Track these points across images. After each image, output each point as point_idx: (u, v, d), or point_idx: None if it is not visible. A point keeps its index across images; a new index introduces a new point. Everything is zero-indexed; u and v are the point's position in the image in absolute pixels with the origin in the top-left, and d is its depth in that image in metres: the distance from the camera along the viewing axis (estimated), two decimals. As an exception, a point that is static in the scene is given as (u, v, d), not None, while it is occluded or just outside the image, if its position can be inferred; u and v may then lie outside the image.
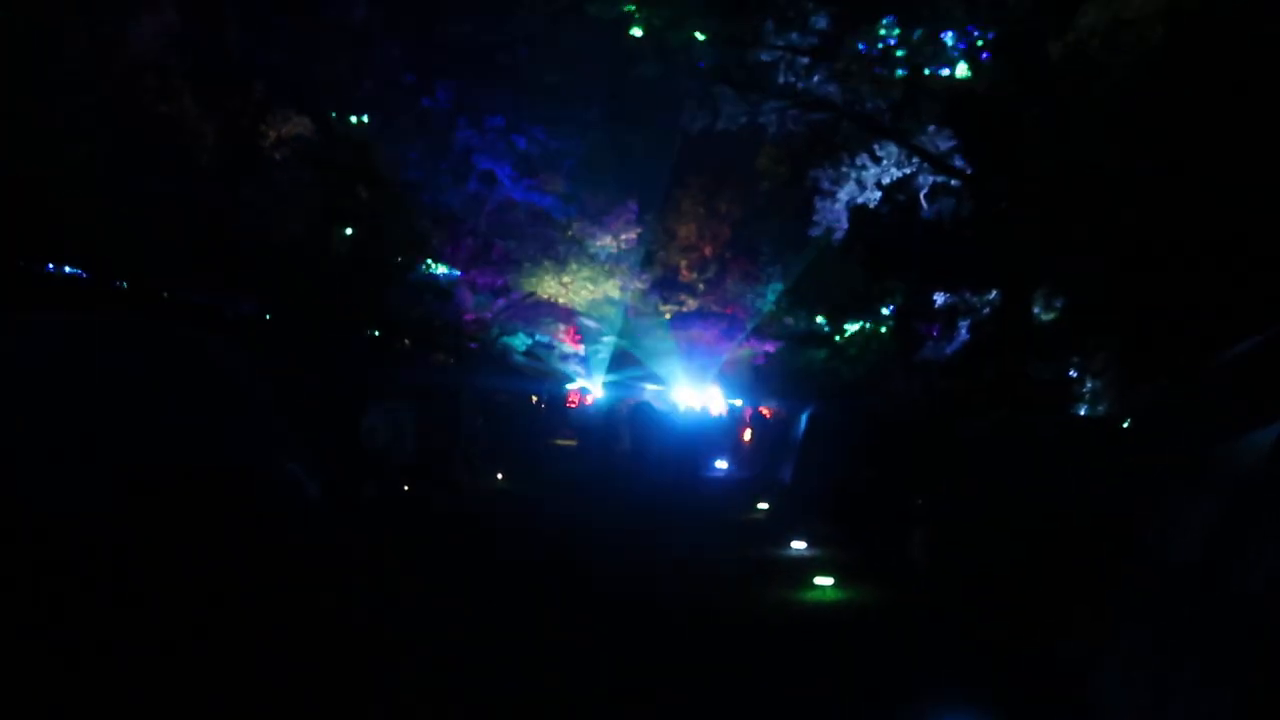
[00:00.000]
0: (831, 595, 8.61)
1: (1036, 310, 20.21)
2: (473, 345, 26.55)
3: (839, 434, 11.68)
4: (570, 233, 32.93)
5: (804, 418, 12.42)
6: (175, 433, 7.39)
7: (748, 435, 24.33)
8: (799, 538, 11.06)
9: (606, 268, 34.02)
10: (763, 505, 14.78)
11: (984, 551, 7.57)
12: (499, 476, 16.94)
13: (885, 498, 10.97)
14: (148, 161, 21.90)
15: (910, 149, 19.88)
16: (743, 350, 35.05)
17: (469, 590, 8.55)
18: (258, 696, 5.41)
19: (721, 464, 22.20)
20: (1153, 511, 5.24)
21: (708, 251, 36.88)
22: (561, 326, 35.10)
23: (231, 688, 5.36)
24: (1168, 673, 4.87)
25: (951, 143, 20.50)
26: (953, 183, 21.34)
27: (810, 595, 8.64)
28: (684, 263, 37.02)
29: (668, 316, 36.48)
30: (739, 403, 28.56)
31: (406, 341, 19.94)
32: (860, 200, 22.40)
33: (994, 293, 21.08)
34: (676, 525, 13.30)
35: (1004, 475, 7.85)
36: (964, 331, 22.24)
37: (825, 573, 9.02)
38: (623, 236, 33.89)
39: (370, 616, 7.20)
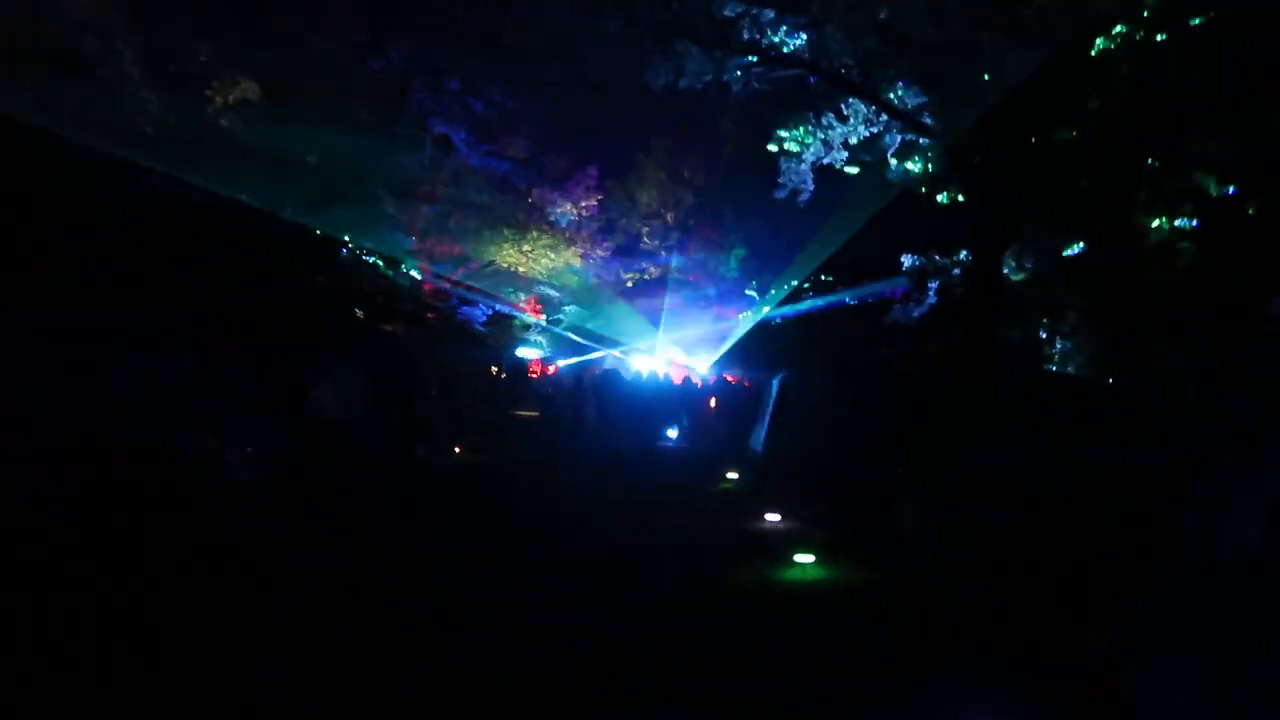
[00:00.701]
0: (813, 574, 7.81)
1: (1006, 271, 19.56)
2: (430, 315, 25.43)
3: (814, 400, 10.87)
4: (530, 200, 31.84)
5: (775, 384, 11.59)
6: (58, 411, 6.44)
7: (714, 403, 23.54)
8: (773, 510, 10.29)
9: (567, 235, 32.98)
10: (733, 475, 13.99)
11: (987, 526, 6.84)
12: (456, 450, 15.99)
13: (866, 467, 10.22)
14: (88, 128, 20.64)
15: (880, 105, 19.03)
16: (707, 317, 34.24)
17: (418, 571, 7.67)
18: (151, 675, 4.87)
19: (679, 433, 21.38)
20: (1201, 487, 4.46)
21: (670, 219, 35.91)
22: (523, 296, 34.06)
23: (126, 668, 4.89)
24: (1226, 669, 4.11)
25: (922, 99, 19.71)
26: (922, 141, 20.56)
27: (790, 574, 7.85)
28: (646, 230, 36.04)
29: (630, 285, 35.53)
30: (704, 371, 27.77)
31: (359, 312, 18.82)
32: (826, 161, 21.56)
33: (963, 253, 20.41)
34: (643, 498, 12.50)
35: (1012, 442, 7.11)
36: (932, 294, 21.58)
37: (804, 549, 8.23)
38: (583, 204, 32.83)
39: (299, 602, 6.31)
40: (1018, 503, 6.79)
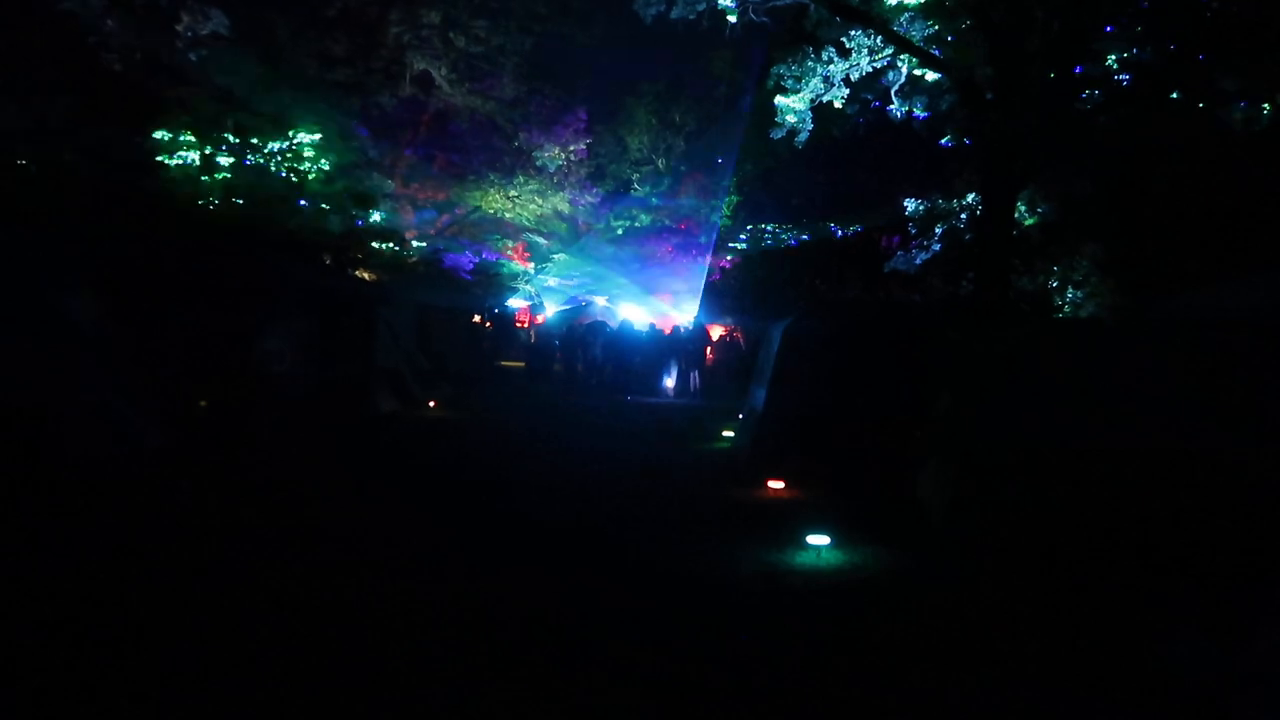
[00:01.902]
0: (829, 560, 6.36)
1: (1016, 217, 17.98)
2: (411, 261, 23.75)
3: (822, 351, 9.34)
4: (517, 144, 30.01)
5: (777, 334, 10.06)
6: None
7: (709, 354, 22.01)
8: (776, 475, 8.83)
9: (555, 180, 31.22)
10: (729, 434, 12.52)
11: (1038, 498, 5.40)
12: (431, 404, 14.48)
13: (880, 426, 8.74)
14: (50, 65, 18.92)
15: (885, 35, 17.24)
16: (699, 265, 32.58)
17: (356, 544, 6.21)
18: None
19: (671, 386, 19.85)
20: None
21: (660, 165, 34.13)
22: (509, 243, 32.35)
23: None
24: None
25: (930, 29, 17.92)
26: (929, 76, 18.83)
27: (802, 560, 6.39)
28: (636, 177, 34.26)
29: (620, 232, 33.82)
30: (696, 320, 26.22)
31: (326, 258, 17.15)
32: (826, 99, 19.81)
33: (971, 196, 18.82)
34: (631, 459, 11.04)
35: (1065, 396, 5.65)
36: (935, 243, 20.00)
37: (817, 527, 6.78)
38: (571, 148, 31.02)
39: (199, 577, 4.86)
40: (1086, 474, 5.32)
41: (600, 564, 6.25)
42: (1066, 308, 17.74)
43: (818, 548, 6.51)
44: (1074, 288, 17.81)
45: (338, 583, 5.48)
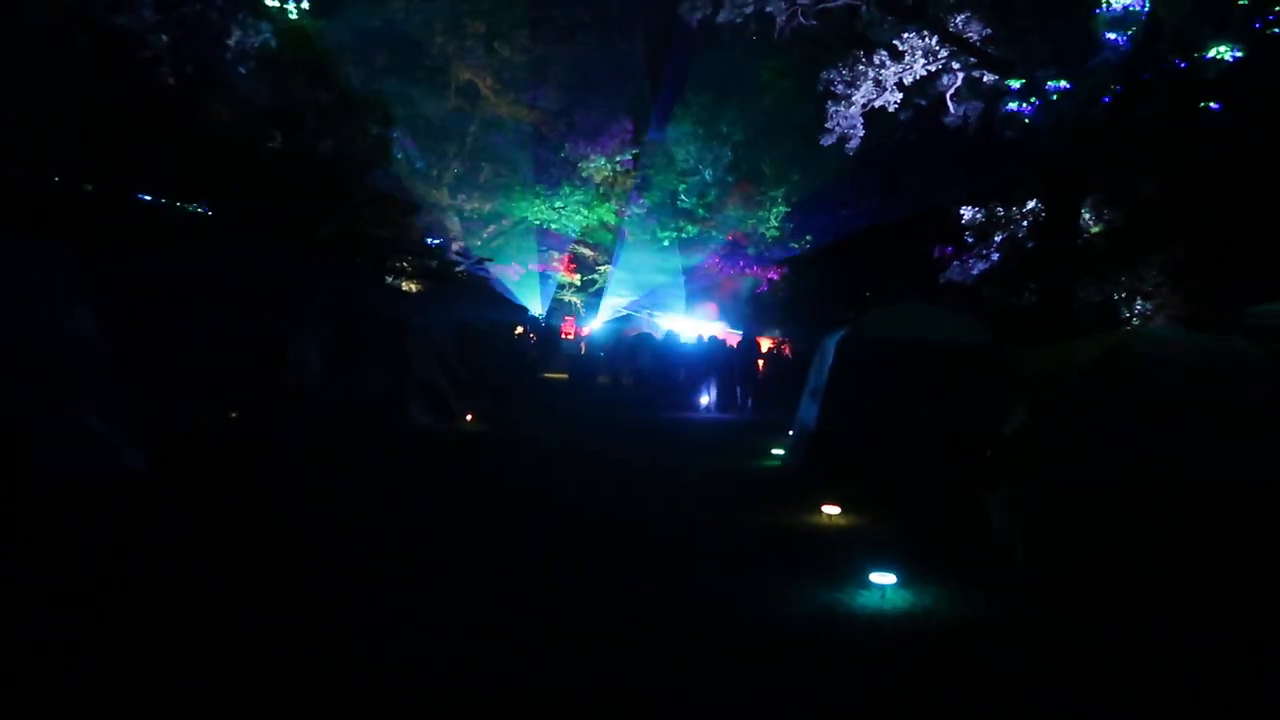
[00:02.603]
0: (895, 604, 5.53)
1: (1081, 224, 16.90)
2: (458, 270, 23.26)
3: (881, 363, 8.50)
4: (563, 154, 29.51)
5: (831, 345, 9.23)
6: None
7: (760, 368, 21.08)
8: (831, 499, 7.98)
9: (601, 191, 30.67)
10: (778, 452, 11.67)
11: (1133, 532, 4.53)
12: (469, 418, 13.82)
13: (948, 446, 7.87)
14: (107, 81, 18.82)
15: (942, 35, 16.36)
16: (746, 277, 31.71)
17: (352, 572, 5.52)
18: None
19: (718, 400, 18.97)
20: None
21: (707, 175, 33.32)
22: (555, 254, 31.82)
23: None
24: None
25: (985, 29, 17.00)
26: (986, 79, 17.87)
27: (864, 602, 5.57)
28: (683, 187, 33.50)
29: (666, 244, 33.06)
30: (744, 333, 25.36)
31: (364, 266, 16.64)
32: (878, 103, 18.95)
33: (1032, 203, 17.77)
34: (673, 480, 10.26)
35: (1164, 414, 4.78)
36: (993, 252, 18.95)
37: (880, 563, 5.95)
38: (618, 159, 30.47)
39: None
40: (1189, 506, 4.44)
41: (632, 604, 5.49)
42: (1134, 319, 16.64)
43: (882, 587, 5.66)
44: (1142, 298, 16.71)
45: (320, 636, 4.78)
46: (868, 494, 8.15)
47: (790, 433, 11.52)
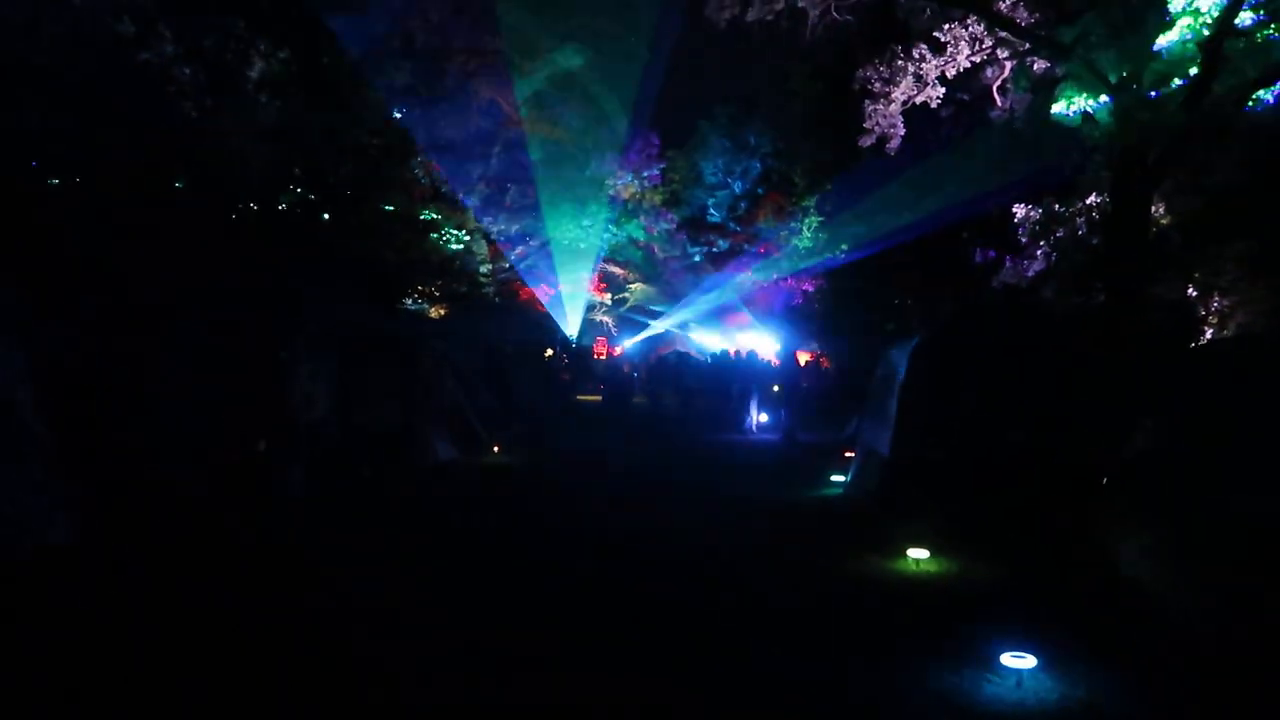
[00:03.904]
0: (1035, 691, 4.13)
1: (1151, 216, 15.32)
2: (484, 293, 22.11)
3: (968, 377, 7.10)
4: (588, 172, 28.35)
5: (902, 358, 7.84)
6: None
7: (804, 385, 19.57)
8: (915, 539, 6.59)
9: (629, 208, 29.49)
10: (838, 478, 10.22)
11: None
12: (495, 449, 12.51)
13: (1056, 474, 6.47)
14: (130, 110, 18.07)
15: (989, 19, 14.92)
16: (780, 290, 30.28)
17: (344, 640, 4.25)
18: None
19: (764, 421, 17.40)
20: None
21: (736, 187, 32.07)
22: (584, 274, 30.63)
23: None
24: None
25: (1034, 16, 15.52)
26: (1037, 66, 16.37)
27: (994, 691, 4.17)
28: (712, 201, 32.24)
29: (697, 259, 31.80)
30: (784, 348, 23.95)
31: (380, 293, 15.49)
32: (920, 100, 17.50)
33: (1094, 197, 16.20)
34: (723, 517, 8.88)
35: None
36: (1051, 251, 17.38)
37: (1003, 630, 4.55)
38: (645, 174, 29.28)
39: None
40: None
41: (677, 700, 4.16)
42: (1212, 319, 15.00)
43: (1018, 672, 4.25)
44: (1220, 295, 15.06)
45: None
46: (959, 533, 6.74)
47: (849, 455, 10.10)
